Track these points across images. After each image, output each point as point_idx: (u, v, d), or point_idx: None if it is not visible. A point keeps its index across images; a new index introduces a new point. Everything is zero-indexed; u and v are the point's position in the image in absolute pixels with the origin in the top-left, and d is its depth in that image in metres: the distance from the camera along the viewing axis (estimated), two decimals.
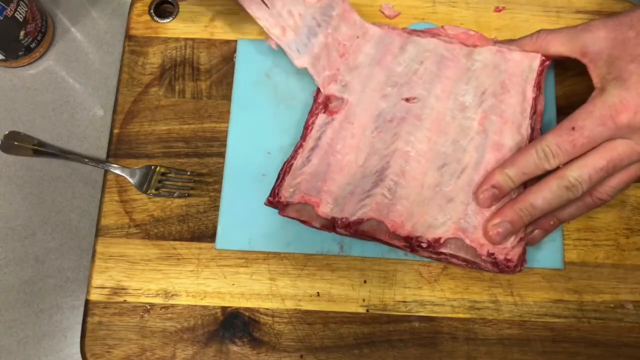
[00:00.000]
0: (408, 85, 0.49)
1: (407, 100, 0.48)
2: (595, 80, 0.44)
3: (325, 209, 0.45)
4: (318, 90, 0.50)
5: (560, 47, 0.47)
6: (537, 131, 0.48)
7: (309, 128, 0.48)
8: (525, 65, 0.49)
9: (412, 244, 0.44)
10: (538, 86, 0.48)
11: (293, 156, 0.47)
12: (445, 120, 0.47)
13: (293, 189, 0.46)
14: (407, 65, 0.49)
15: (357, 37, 0.50)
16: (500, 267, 0.43)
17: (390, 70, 0.49)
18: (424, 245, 0.44)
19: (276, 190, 0.46)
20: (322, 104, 0.49)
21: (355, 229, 0.44)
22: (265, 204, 0.46)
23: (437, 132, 0.47)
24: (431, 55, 0.49)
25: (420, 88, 0.48)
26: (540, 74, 0.48)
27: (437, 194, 0.45)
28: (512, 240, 0.44)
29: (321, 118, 0.48)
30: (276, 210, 0.46)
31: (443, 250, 0.44)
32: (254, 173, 0.50)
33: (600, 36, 0.44)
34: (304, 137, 0.48)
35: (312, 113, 0.49)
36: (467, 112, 0.47)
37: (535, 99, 0.48)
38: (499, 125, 0.47)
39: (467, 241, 0.44)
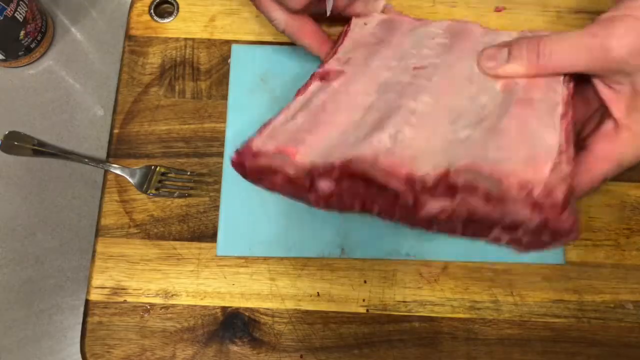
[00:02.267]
0: (417, 57, 0.42)
1: (416, 68, 0.41)
2: (615, 109, 0.36)
3: (305, 158, 0.35)
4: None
5: (569, 60, 0.37)
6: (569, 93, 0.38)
7: (299, 93, 0.42)
8: None
9: (414, 188, 0.33)
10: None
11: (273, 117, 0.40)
12: (460, 83, 0.39)
13: (268, 139, 0.37)
14: (417, 41, 0.43)
15: (365, 23, 0.47)
16: (545, 211, 0.30)
17: (398, 47, 0.43)
18: (430, 183, 0.32)
19: (247, 142, 0.37)
20: (318, 75, 0.42)
21: (340, 174, 0.33)
22: (231, 161, 0.37)
23: (450, 92, 0.39)
24: (444, 33, 0.44)
25: (432, 58, 0.41)
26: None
27: (448, 142, 0.35)
28: (552, 171, 0.32)
29: (315, 85, 0.42)
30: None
31: (455, 181, 0.32)
32: None
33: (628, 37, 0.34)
34: (292, 100, 0.41)
35: (306, 83, 0.43)
36: (489, 79, 0.39)
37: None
38: (528, 86, 0.38)
39: (486, 169, 0.32)
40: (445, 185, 0.32)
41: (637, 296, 0.48)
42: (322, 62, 0.45)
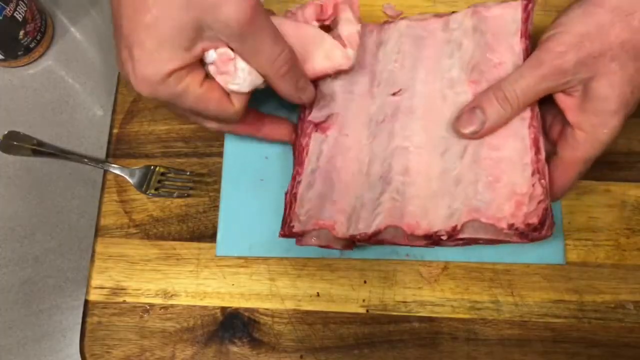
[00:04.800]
0: (392, 79, 0.46)
1: (394, 94, 0.46)
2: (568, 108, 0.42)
3: (342, 229, 0.44)
4: (302, 109, 0.47)
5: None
6: None
7: (304, 151, 0.46)
8: (508, 19, 0.45)
9: (433, 239, 0.43)
10: (526, 35, 0.45)
11: (293, 185, 0.45)
12: (437, 104, 0.45)
13: (304, 217, 0.44)
14: (387, 59, 0.47)
15: None
16: (529, 236, 0.41)
17: (372, 71, 0.47)
18: (445, 237, 0.42)
19: (287, 222, 0.44)
20: (312, 122, 0.46)
21: (375, 240, 0.43)
22: (280, 236, 0.45)
23: (431, 118, 0.45)
24: (407, 39, 0.47)
25: (405, 77, 0.46)
26: (525, 21, 0.45)
27: (444, 181, 0.43)
28: (528, 205, 0.42)
29: (314, 138, 0.46)
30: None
31: (462, 236, 0.42)
32: (252, 178, 0.50)
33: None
34: (299, 161, 0.45)
35: (303, 133, 0.46)
36: (458, 86, 0.45)
37: (527, 50, 0.44)
38: None
39: (483, 220, 0.42)
40: (455, 238, 0.42)
41: (638, 296, 0.48)
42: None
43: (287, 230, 0.44)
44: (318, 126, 0.46)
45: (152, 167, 0.50)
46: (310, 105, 0.47)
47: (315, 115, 0.46)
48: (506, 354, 0.47)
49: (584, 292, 0.48)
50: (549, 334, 0.47)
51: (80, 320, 0.48)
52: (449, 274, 0.48)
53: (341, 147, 0.46)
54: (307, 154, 0.46)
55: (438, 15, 0.47)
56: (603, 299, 0.48)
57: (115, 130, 0.52)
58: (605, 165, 0.51)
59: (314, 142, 0.46)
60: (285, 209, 0.45)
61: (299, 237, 0.44)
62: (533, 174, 0.42)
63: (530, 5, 0.45)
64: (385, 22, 0.48)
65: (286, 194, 0.45)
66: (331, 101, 0.47)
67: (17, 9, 0.51)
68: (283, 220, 0.44)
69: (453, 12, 0.47)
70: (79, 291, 0.51)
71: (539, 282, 0.48)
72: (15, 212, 0.53)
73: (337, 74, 0.46)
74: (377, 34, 0.48)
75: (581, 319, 0.47)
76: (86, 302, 0.48)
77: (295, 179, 0.45)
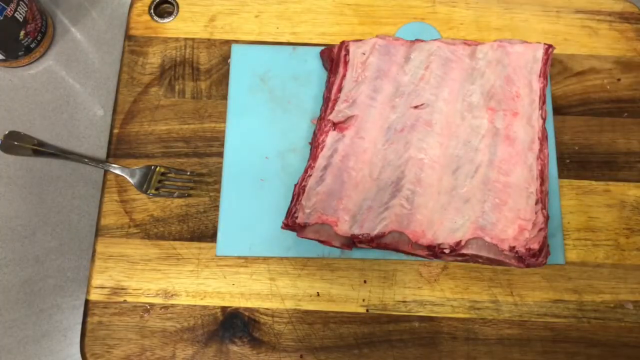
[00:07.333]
0: (415, 92, 0.48)
1: (416, 107, 0.48)
2: None
3: (344, 227, 0.45)
4: (324, 107, 0.49)
5: None
6: (544, 122, 0.48)
7: (319, 147, 0.47)
8: (529, 56, 0.49)
9: (435, 251, 0.44)
10: (544, 75, 0.48)
11: (304, 177, 0.47)
12: (455, 123, 0.47)
13: (309, 210, 0.45)
14: (413, 73, 0.49)
15: (363, 53, 0.50)
16: (526, 261, 0.44)
17: (397, 81, 0.49)
18: (447, 251, 0.44)
19: (292, 212, 0.45)
20: (331, 121, 0.48)
21: (377, 243, 0.44)
22: (282, 227, 0.46)
23: (448, 135, 0.47)
24: (436, 59, 0.49)
25: (428, 93, 0.48)
26: (545, 62, 0.48)
27: (453, 197, 0.45)
28: (530, 230, 0.44)
29: (331, 136, 0.47)
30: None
31: (465, 251, 0.44)
32: (253, 179, 0.50)
33: None
34: (314, 156, 0.47)
35: (320, 131, 0.48)
36: (476, 111, 0.47)
37: (543, 89, 0.48)
38: (509, 119, 0.47)
39: (487, 239, 0.44)
40: (457, 254, 0.44)
41: (637, 296, 0.48)
42: (327, 99, 0.49)
43: (290, 221, 0.45)
44: (336, 125, 0.48)
45: (152, 167, 0.51)
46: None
47: (335, 115, 0.48)
48: (506, 354, 0.47)
49: (584, 291, 0.48)
50: (549, 333, 0.47)
51: (80, 320, 0.48)
52: (449, 274, 0.48)
53: (356, 148, 0.47)
54: (322, 149, 0.47)
55: (467, 43, 0.50)
56: (602, 298, 0.48)
57: (115, 130, 0.52)
58: (605, 165, 0.51)
59: (330, 140, 0.47)
60: (292, 200, 0.46)
61: (301, 229, 0.45)
62: (537, 203, 0.45)
63: (550, 50, 0.49)
64: (417, 40, 0.50)
65: (295, 185, 0.46)
66: (353, 104, 0.48)
67: (18, 9, 0.51)
68: (288, 211, 0.46)
69: (480, 43, 0.50)
70: (79, 291, 0.51)
71: (538, 281, 0.48)
72: (15, 212, 0.53)
73: (363, 79, 0.49)
74: (407, 49, 0.50)
75: (580, 319, 0.47)
76: (87, 301, 0.48)
77: (306, 172, 0.47)
